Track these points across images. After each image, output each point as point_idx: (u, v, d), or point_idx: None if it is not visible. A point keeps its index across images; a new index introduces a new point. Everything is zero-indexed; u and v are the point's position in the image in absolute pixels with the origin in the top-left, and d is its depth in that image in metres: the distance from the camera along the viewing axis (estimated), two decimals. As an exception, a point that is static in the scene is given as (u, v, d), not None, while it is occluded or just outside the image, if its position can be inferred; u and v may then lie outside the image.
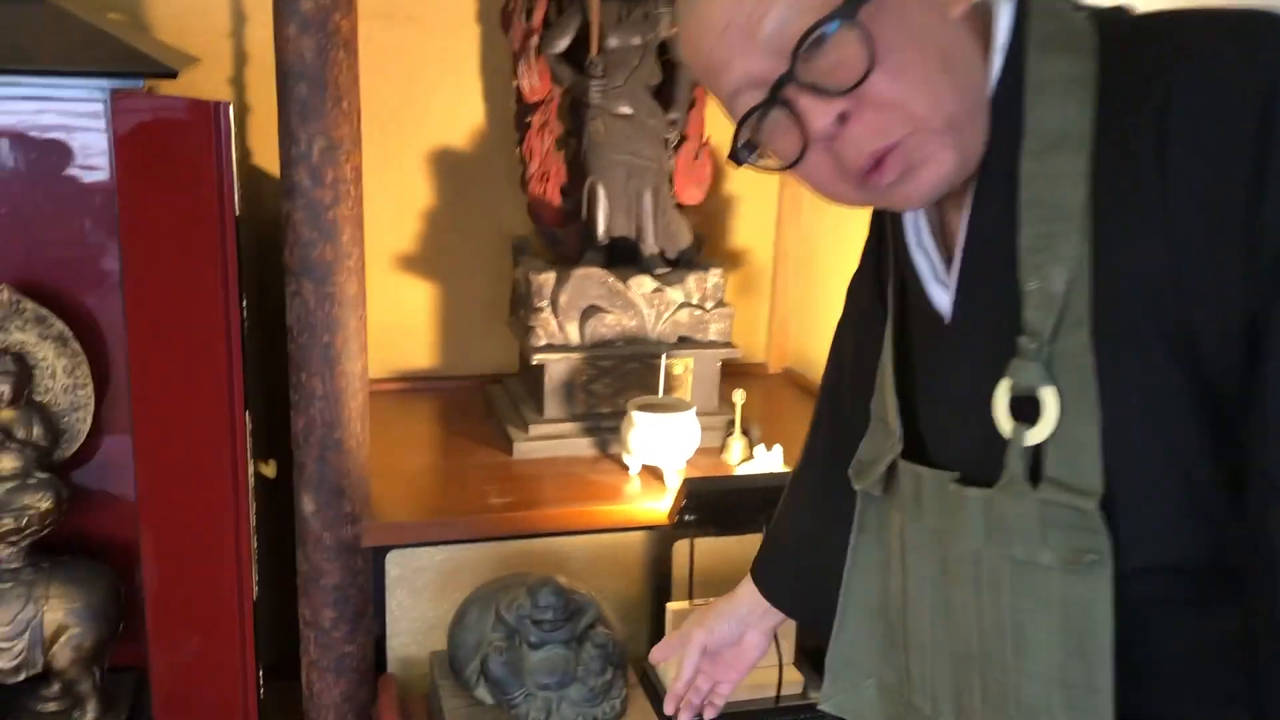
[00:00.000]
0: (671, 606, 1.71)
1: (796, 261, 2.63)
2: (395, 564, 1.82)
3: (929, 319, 0.94)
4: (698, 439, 1.96)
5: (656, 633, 1.86)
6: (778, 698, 1.63)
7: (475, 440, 2.14)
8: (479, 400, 2.38)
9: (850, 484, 1.12)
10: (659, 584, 1.94)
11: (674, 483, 1.95)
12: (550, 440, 2.08)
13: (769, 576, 1.27)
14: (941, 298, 0.91)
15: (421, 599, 1.85)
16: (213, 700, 1.88)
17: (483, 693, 1.61)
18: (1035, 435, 0.81)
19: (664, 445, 1.92)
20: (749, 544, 1.81)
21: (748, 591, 1.28)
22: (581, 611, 1.62)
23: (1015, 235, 0.81)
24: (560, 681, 1.58)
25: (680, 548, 1.94)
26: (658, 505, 1.88)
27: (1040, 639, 0.83)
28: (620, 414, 2.08)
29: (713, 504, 1.66)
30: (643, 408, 1.94)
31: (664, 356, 2.03)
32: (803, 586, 1.25)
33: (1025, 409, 0.82)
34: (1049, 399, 0.80)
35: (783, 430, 2.15)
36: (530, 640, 1.59)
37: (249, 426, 1.70)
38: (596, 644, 1.59)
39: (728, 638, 1.28)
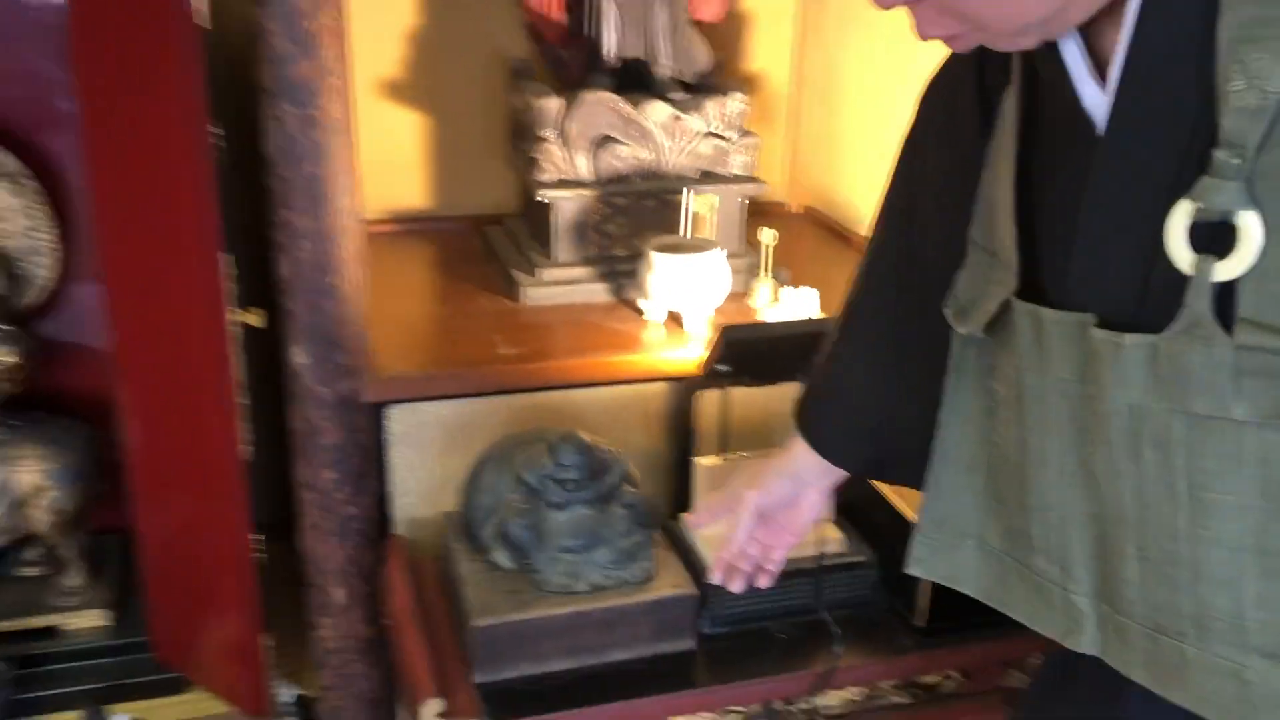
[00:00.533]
0: (701, 462, 1.59)
1: (818, 90, 2.44)
2: (397, 420, 1.69)
3: (1070, 129, 0.79)
4: (728, 283, 1.82)
5: (679, 490, 1.76)
6: (821, 556, 1.54)
7: (478, 286, 1.99)
8: (476, 243, 2.22)
9: (921, 323, 1.01)
10: (681, 438, 1.82)
11: (698, 330, 1.82)
12: (561, 286, 1.93)
13: (823, 430, 1.15)
14: (1095, 99, 0.76)
15: (428, 456, 1.73)
16: (206, 563, 1.77)
17: (501, 557, 1.50)
18: (1227, 269, 0.68)
19: (688, 290, 1.78)
20: (782, 394, 1.69)
21: (803, 448, 1.17)
22: (607, 469, 1.50)
23: (1212, 20, 0.66)
24: (586, 544, 1.48)
25: (705, 399, 1.81)
26: (680, 354, 1.75)
27: (1229, 502, 0.73)
28: (636, 257, 1.93)
29: (752, 353, 1.53)
30: (663, 249, 1.79)
31: (687, 191, 1.86)
32: (864, 438, 1.13)
33: (1211, 237, 0.68)
34: (1249, 225, 0.66)
35: (808, 273, 2.00)
36: (552, 501, 1.48)
37: (229, 270, 1.54)
38: (624, 504, 1.48)
39: (783, 499, 1.17)
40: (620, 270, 1.97)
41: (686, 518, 1.37)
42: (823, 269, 2.12)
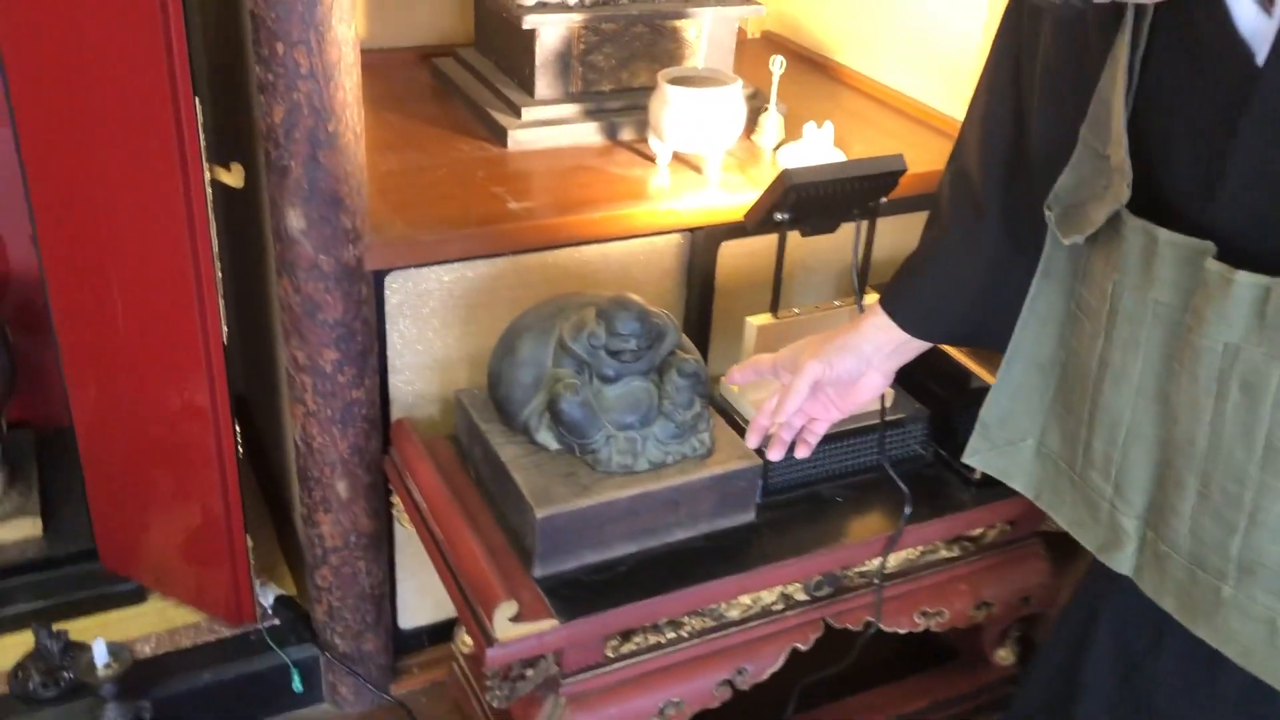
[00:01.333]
0: (753, 321, 1.48)
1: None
2: (395, 289, 1.51)
3: (1218, 51, 0.74)
4: (742, 119, 1.67)
5: (701, 350, 1.64)
6: (883, 411, 1.47)
7: (451, 130, 1.79)
8: (424, 78, 1.99)
9: (1017, 214, 1.00)
10: (701, 294, 1.71)
11: (714, 173, 1.68)
12: (547, 127, 1.75)
13: (914, 308, 1.12)
14: (1255, 25, 0.70)
15: (427, 330, 1.56)
16: (172, 455, 1.57)
17: (547, 437, 1.37)
18: None
19: (705, 127, 1.62)
20: (834, 244, 1.58)
21: (875, 326, 1.13)
22: (662, 336, 1.37)
23: None
24: (644, 419, 1.36)
25: (731, 251, 1.69)
26: (696, 202, 1.61)
27: None
28: (624, 92, 1.77)
29: (813, 198, 1.40)
30: (677, 81, 1.63)
31: (703, 13, 1.68)
32: (951, 323, 1.12)
33: None
34: None
35: (797, 107, 1.88)
36: (605, 374, 1.35)
37: (200, 118, 1.31)
38: (684, 373, 1.36)
39: (845, 375, 1.15)
40: (609, 108, 1.79)
41: (725, 379, 1.28)
42: (807, 100, 1.99)
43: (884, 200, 1.47)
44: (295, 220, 1.34)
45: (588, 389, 1.36)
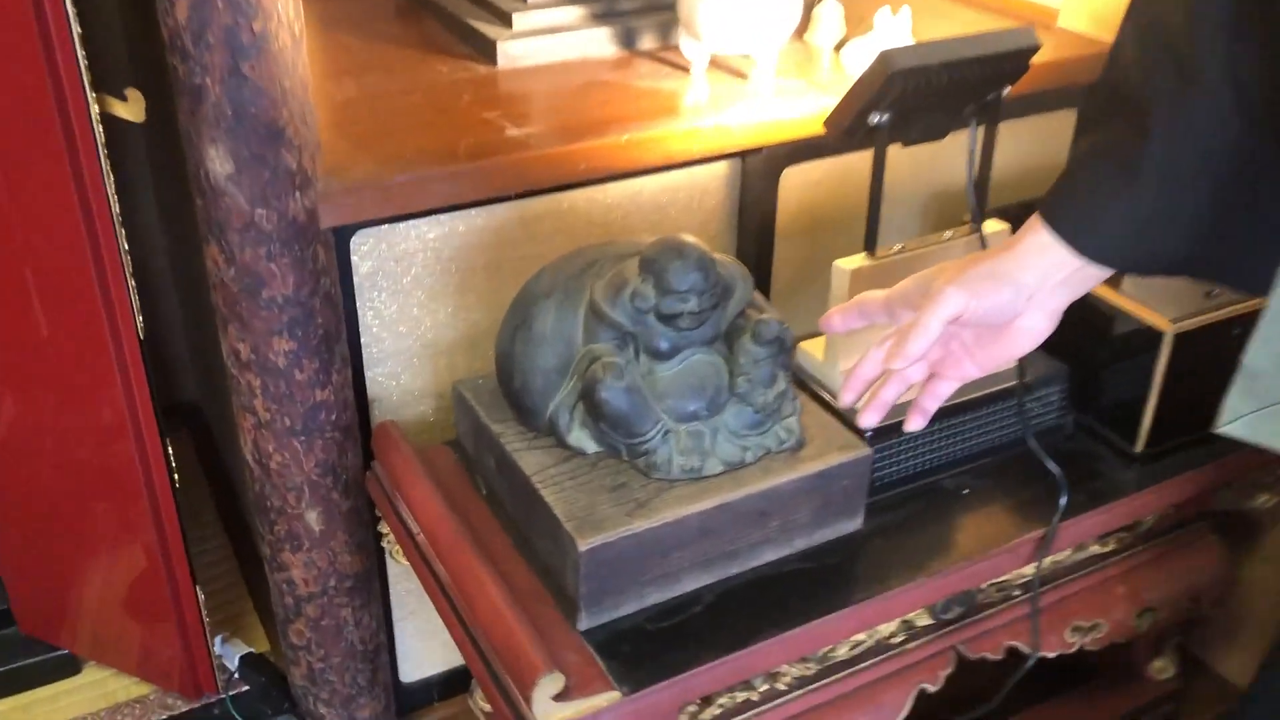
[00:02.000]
0: (843, 265, 1.14)
1: None
2: (365, 253, 1.16)
3: None
4: (799, 4, 1.32)
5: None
6: (1023, 369, 1.13)
7: (425, 49, 1.43)
8: (389, -4, 1.64)
9: (1256, 76, 0.71)
10: (759, 238, 1.36)
11: (765, 79, 1.33)
12: (548, 37, 1.39)
13: (1089, 222, 0.81)
14: None
15: (411, 304, 1.21)
16: (84, 491, 1.23)
17: (582, 437, 1.03)
18: None
19: (754, 18, 1.27)
20: (912, 164, 1.23)
21: (1039, 248, 0.82)
22: (729, 292, 1.03)
23: None
24: (712, 404, 1.02)
25: (796, 180, 1.35)
26: (748, 116, 1.26)
27: None
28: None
29: (920, 91, 1.05)
30: (715, -38, 1.27)
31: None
32: (1155, 244, 0.80)
33: None
34: None
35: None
36: (657, 347, 1.01)
37: (76, 28, 0.95)
38: (762, 338, 1.02)
39: (994, 313, 0.84)
40: (624, 9, 1.44)
41: (825, 319, 0.93)
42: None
43: (1008, 92, 1.12)
44: (219, 162, 0.99)
45: (634, 369, 1.01)
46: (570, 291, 1.04)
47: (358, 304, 1.18)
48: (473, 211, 1.20)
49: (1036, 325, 0.85)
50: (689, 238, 1.01)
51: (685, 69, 1.37)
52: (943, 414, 0.98)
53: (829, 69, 1.40)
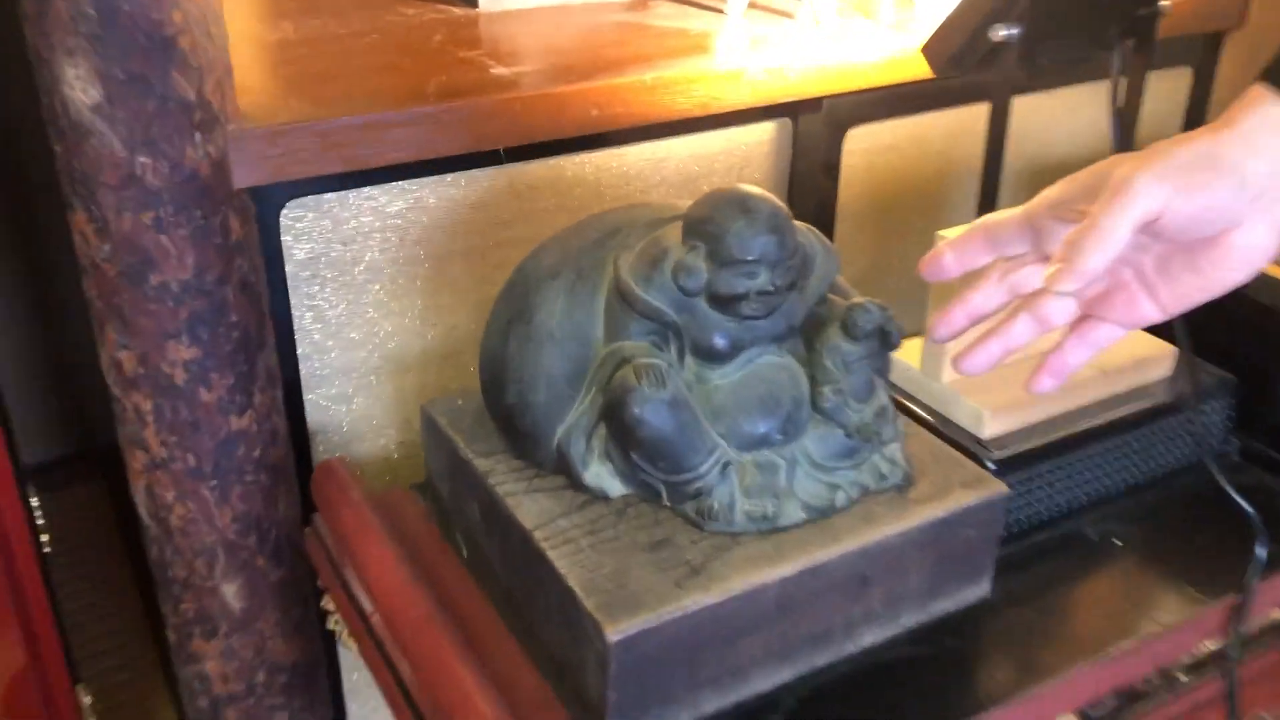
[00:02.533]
0: (950, 235, 0.84)
1: None
2: (302, 231, 0.87)
3: None
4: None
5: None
6: (1193, 364, 0.85)
7: (384, -12, 1.14)
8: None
9: None
10: (818, 215, 1.07)
11: (826, 13, 1.04)
12: (541, -29, 1.10)
13: None
14: None
15: (364, 302, 0.92)
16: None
17: (604, 474, 0.73)
18: None
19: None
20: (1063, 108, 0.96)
21: (1273, 120, 0.58)
22: (809, 267, 0.74)
23: None
24: (786, 424, 0.72)
25: (861, 143, 1.06)
26: (803, 58, 0.98)
27: None
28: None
29: (1052, 3, 0.78)
30: None
31: None
32: None
33: None
34: None
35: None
36: (712, 346, 0.71)
37: None
38: (858, 332, 0.73)
39: (1206, 216, 0.58)
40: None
41: (934, 260, 0.67)
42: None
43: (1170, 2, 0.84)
44: (80, 87, 0.69)
45: (677, 375, 0.71)
46: (585, 270, 0.74)
47: (291, 301, 0.88)
48: (448, 178, 0.90)
49: (1259, 242, 0.59)
50: (755, 189, 0.72)
51: (718, 9, 1.09)
52: (1089, 436, 0.69)
53: (895, 7, 1.12)
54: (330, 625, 0.94)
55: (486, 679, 0.70)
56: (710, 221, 0.70)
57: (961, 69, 0.83)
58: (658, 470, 0.72)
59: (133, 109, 0.71)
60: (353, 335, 0.93)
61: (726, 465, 0.72)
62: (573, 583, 0.68)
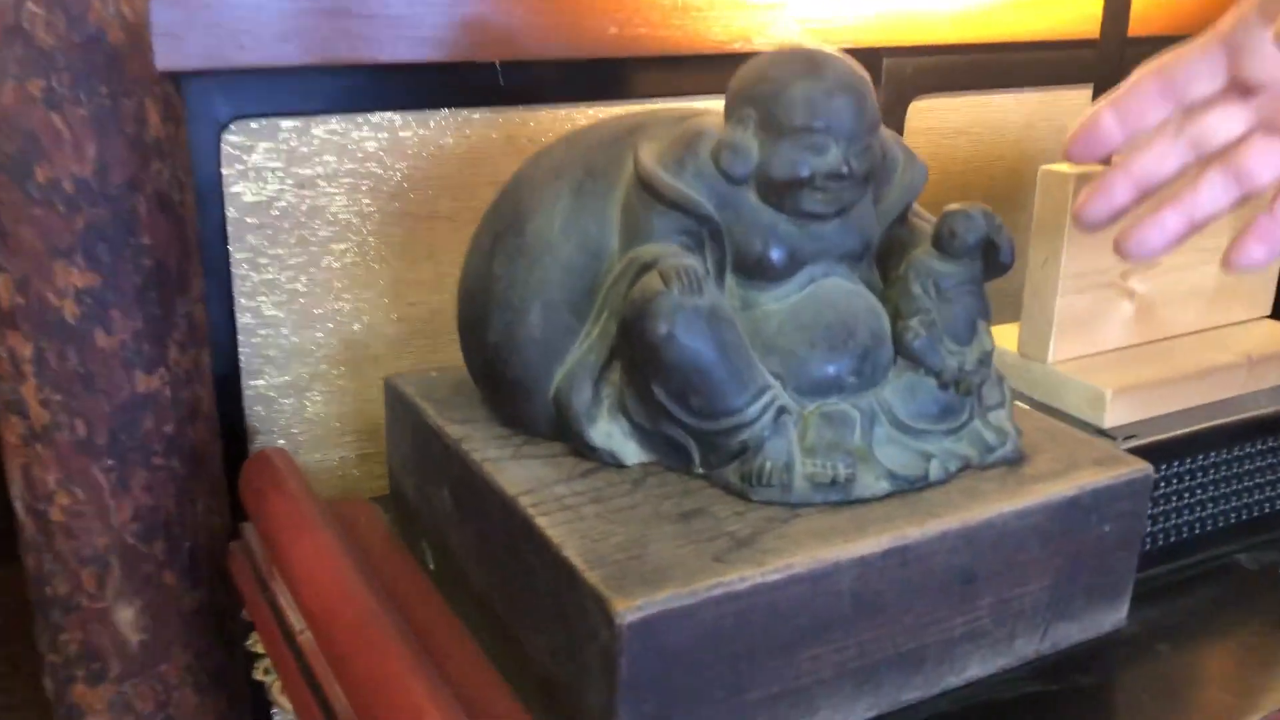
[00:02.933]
0: (1055, 170, 0.68)
1: None
2: (250, 169, 0.71)
3: None
4: None
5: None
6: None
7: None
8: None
9: None
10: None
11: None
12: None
13: None
14: None
15: (326, 268, 0.75)
16: None
17: (614, 434, 0.55)
18: None
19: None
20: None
21: None
22: (889, 167, 0.57)
23: None
24: (862, 365, 0.54)
25: (923, 120, 0.91)
26: (857, 7, 0.84)
27: None
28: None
29: None
30: None
31: None
32: None
33: None
34: None
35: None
36: (764, 257, 0.54)
37: None
38: (960, 244, 0.55)
39: None
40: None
41: (1073, 145, 0.50)
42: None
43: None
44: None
45: (717, 291, 0.53)
46: (598, 167, 0.57)
47: (232, 260, 0.71)
48: (434, 119, 0.75)
49: None
50: (824, 45, 0.56)
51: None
52: (1236, 431, 0.52)
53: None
54: (259, 675, 0.74)
55: (446, 694, 0.50)
56: (765, 80, 0.54)
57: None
58: (689, 413, 0.53)
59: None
60: (312, 310, 0.75)
61: (782, 412, 0.53)
62: (569, 553, 0.48)
